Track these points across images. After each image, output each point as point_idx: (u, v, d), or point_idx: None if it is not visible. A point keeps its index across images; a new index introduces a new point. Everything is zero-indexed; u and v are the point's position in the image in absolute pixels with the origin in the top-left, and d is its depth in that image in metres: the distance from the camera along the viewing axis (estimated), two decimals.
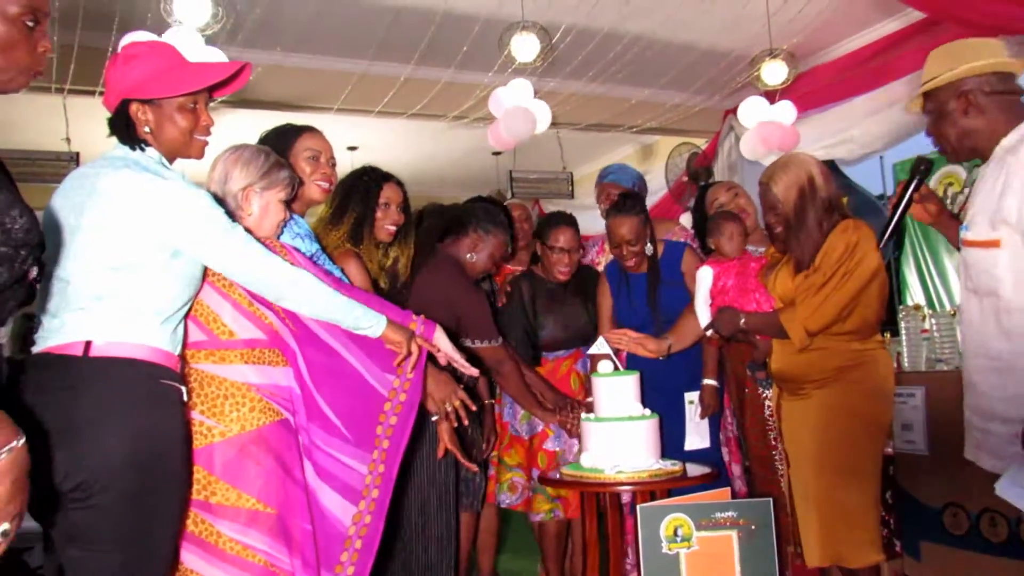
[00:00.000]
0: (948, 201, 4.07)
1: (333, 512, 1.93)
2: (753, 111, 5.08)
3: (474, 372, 2.24)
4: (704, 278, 2.81)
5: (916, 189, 2.12)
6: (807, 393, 2.52)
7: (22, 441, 1.13)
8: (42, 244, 1.30)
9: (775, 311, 2.52)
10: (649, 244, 3.08)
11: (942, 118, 2.05)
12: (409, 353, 1.97)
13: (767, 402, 2.88)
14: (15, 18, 1.30)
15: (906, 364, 2.75)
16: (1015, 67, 2.04)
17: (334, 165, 2.38)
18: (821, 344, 2.44)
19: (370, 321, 1.92)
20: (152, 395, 1.57)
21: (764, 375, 2.90)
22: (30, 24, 1.32)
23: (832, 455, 2.44)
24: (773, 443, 2.87)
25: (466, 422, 2.34)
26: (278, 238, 2.06)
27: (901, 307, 2.68)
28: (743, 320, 2.56)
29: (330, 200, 2.54)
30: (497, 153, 7.22)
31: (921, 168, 2.11)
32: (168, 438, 1.62)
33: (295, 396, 1.93)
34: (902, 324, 2.76)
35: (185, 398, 1.69)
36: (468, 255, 2.95)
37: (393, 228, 2.63)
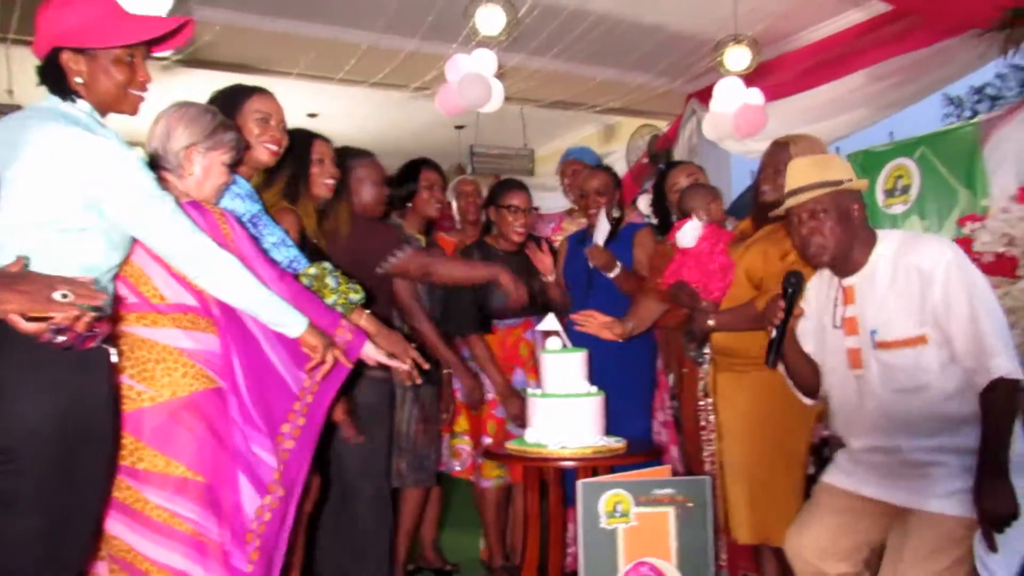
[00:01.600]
0: (898, 192, 4.17)
1: (242, 500, 1.87)
2: (727, 93, 5.07)
3: (404, 366, 2.24)
4: (694, 226, 2.76)
5: (794, 302, 2.13)
6: (744, 371, 2.57)
7: None
8: None
9: (749, 301, 2.54)
10: (616, 209, 3.21)
11: (831, 222, 2.05)
12: (323, 361, 1.94)
13: (701, 381, 2.93)
14: None
15: None
16: (865, 188, 2.16)
17: (284, 129, 2.33)
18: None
19: (289, 320, 1.88)
20: (79, 357, 1.52)
21: (695, 346, 2.92)
22: None
23: (765, 433, 2.51)
24: (703, 423, 2.92)
25: (419, 381, 2.35)
26: (218, 203, 2.02)
27: None
28: (712, 321, 2.60)
29: None
30: (460, 127, 7.16)
31: (792, 282, 2.13)
32: (95, 402, 1.58)
33: (227, 365, 1.88)
34: None
35: (115, 359, 1.65)
36: (356, 199, 2.88)
37: (331, 182, 2.58)
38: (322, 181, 2.56)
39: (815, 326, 2.23)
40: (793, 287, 2.12)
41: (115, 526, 1.72)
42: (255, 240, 2.01)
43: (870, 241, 2.12)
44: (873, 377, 2.07)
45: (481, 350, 3.22)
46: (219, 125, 1.99)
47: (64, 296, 1.39)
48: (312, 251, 2.43)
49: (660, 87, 6.06)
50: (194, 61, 4.93)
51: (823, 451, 2.70)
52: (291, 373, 1.97)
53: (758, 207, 2.65)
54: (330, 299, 2.19)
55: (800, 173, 2.14)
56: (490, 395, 3.28)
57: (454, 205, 3.84)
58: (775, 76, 5.60)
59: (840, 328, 2.14)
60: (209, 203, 1.95)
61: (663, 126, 6.78)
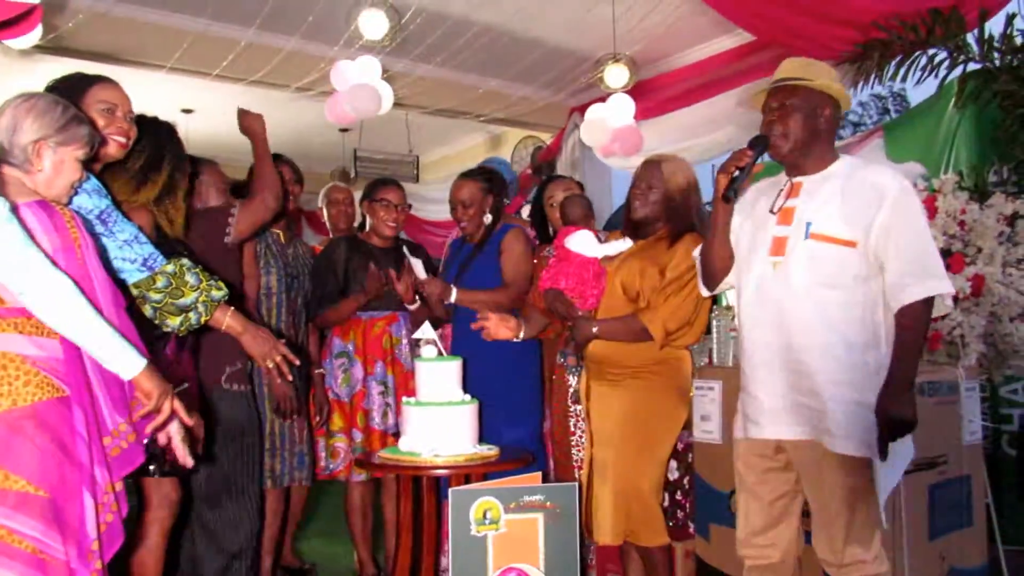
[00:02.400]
0: None
1: (86, 516, 1.74)
2: (602, 111, 5.23)
3: (269, 365, 2.22)
4: (624, 241, 2.84)
5: (756, 159, 2.20)
6: (618, 379, 2.65)
7: None
8: None
9: (633, 314, 2.62)
10: (489, 215, 3.20)
11: (798, 114, 2.14)
12: (156, 411, 1.75)
13: (571, 388, 3.01)
14: None
15: (715, 360, 2.95)
16: (848, 105, 2.24)
17: (132, 120, 2.23)
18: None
19: (125, 359, 1.70)
20: None
21: (575, 362, 3.01)
22: None
23: (636, 438, 2.60)
24: (572, 430, 3.00)
25: (289, 377, 2.29)
26: (69, 201, 1.91)
27: (715, 307, 2.89)
28: (595, 328, 2.66)
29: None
30: (344, 130, 7.06)
31: (759, 145, 2.22)
32: None
33: (73, 371, 1.75)
34: (714, 323, 2.97)
35: None
36: (201, 205, 2.85)
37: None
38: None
39: (744, 219, 2.31)
40: (759, 151, 2.21)
41: None
42: (102, 252, 1.90)
43: (831, 154, 2.20)
44: (794, 265, 2.15)
45: (334, 314, 3.29)
46: (72, 119, 1.87)
47: None
48: (174, 247, 2.34)
49: (543, 100, 6.18)
50: (58, 48, 4.65)
51: (688, 456, 2.82)
52: (108, 408, 1.81)
53: (629, 222, 2.75)
54: (190, 297, 2.12)
55: (784, 68, 2.23)
56: (358, 387, 3.28)
57: (325, 213, 3.79)
58: (651, 95, 5.83)
59: (775, 215, 2.21)
60: (59, 204, 1.83)
61: (547, 138, 6.91)
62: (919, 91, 4.38)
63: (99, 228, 2.02)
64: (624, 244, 2.77)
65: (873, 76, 3.96)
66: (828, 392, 2.09)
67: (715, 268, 2.36)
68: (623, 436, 2.61)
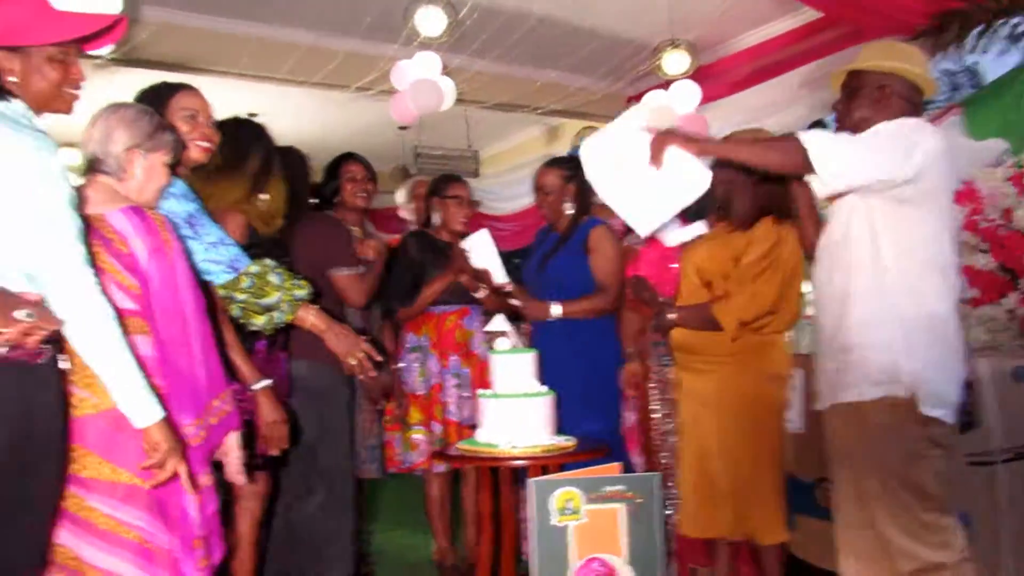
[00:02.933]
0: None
1: (187, 506, 1.82)
2: (667, 98, 5.17)
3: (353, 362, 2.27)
4: (697, 226, 2.91)
5: None
6: (704, 369, 2.62)
7: None
8: None
9: (707, 303, 2.61)
10: (570, 205, 3.18)
11: (856, 98, 2.17)
12: (159, 466, 1.66)
13: (661, 377, 3.02)
14: None
15: (796, 348, 2.91)
16: (930, 88, 2.19)
17: (213, 124, 2.30)
18: None
19: (141, 406, 1.64)
20: (26, 365, 1.48)
21: (664, 351, 3.01)
22: None
23: (739, 435, 2.54)
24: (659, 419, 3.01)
25: (373, 373, 2.33)
26: (158, 206, 1.98)
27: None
28: (673, 316, 2.66)
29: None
30: (403, 128, 7.13)
31: (816, 128, 2.24)
32: (45, 409, 1.54)
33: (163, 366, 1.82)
34: None
35: (64, 367, 1.60)
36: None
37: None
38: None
39: None
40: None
41: (61, 534, 1.67)
42: (189, 258, 1.96)
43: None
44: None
45: (410, 311, 3.35)
46: (158, 126, 1.96)
47: (29, 316, 1.37)
48: (267, 246, 2.41)
49: (601, 90, 6.14)
50: (131, 60, 4.80)
51: None
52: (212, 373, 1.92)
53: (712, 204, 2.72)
54: (274, 296, 2.17)
55: (862, 54, 2.23)
56: (434, 380, 3.32)
57: (411, 206, 3.88)
58: (712, 80, 5.73)
59: None
60: (150, 208, 1.91)
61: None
62: (995, 65, 4.23)
63: (186, 231, 2.09)
64: (699, 228, 2.76)
65: (952, 49, 3.82)
66: None
67: (810, 240, 2.35)
68: (722, 432, 2.57)
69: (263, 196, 2.50)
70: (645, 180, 2.16)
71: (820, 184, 2.09)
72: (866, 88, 2.16)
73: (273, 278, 2.19)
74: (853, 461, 2.06)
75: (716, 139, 2.36)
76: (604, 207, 3.76)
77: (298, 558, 2.70)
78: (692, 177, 2.15)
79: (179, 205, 2.10)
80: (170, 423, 1.69)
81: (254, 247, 2.36)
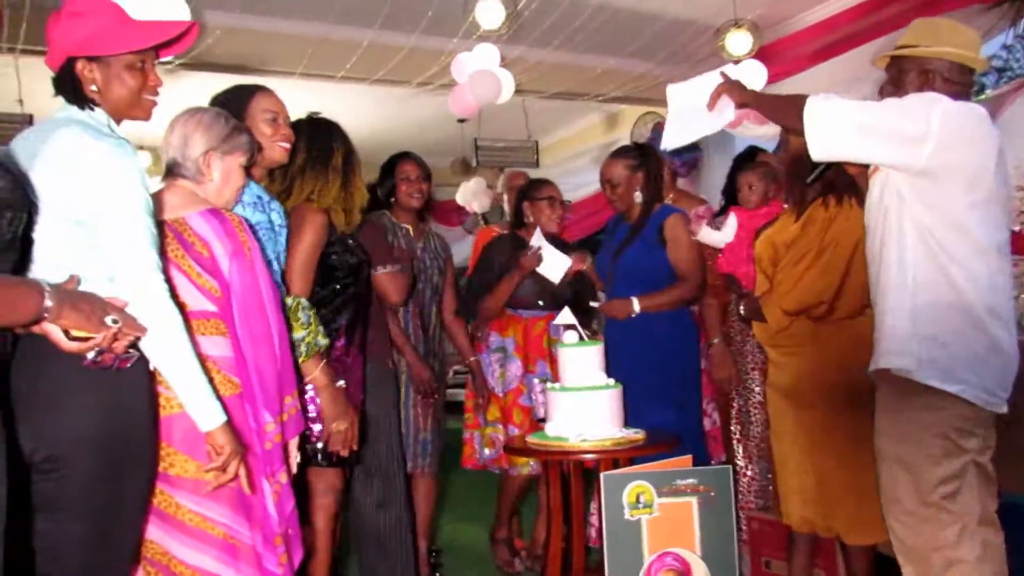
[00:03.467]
0: None
1: (267, 503, 1.87)
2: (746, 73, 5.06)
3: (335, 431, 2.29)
4: (729, 222, 2.99)
5: None
6: (781, 361, 2.56)
7: (47, 287, 1.28)
8: (29, 204, 1.28)
9: (759, 295, 2.57)
10: (639, 194, 3.14)
11: (899, 85, 2.09)
12: (222, 468, 1.69)
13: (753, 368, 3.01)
14: None
15: None
16: (979, 64, 2.10)
17: (288, 123, 2.34)
18: None
19: (207, 410, 1.66)
20: (118, 368, 1.54)
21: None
22: None
23: (821, 429, 2.46)
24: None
25: (346, 453, 2.35)
26: (235, 207, 2.03)
27: None
28: (742, 308, 2.67)
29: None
30: (462, 121, 7.16)
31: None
32: (136, 409, 1.60)
33: (241, 367, 1.87)
34: None
35: (153, 367, 1.66)
36: None
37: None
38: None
39: None
40: None
41: (151, 530, 1.74)
42: (267, 264, 2.00)
43: None
44: None
45: (490, 302, 3.36)
46: (234, 128, 2.00)
47: (115, 322, 1.42)
48: (346, 243, 2.49)
49: (662, 75, 6.03)
50: (197, 64, 4.92)
51: None
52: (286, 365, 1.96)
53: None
54: (299, 333, 2.19)
55: (903, 35, 2.16)
56: (513, 384, 3.32)
57: (505, 198, 3.92)
58: (776, 58, 5.58)
59: None
60: (228, 210, 1.96)
61: (666, 113, 6.75)
62: None
63: None
64: (731, 223, 2.79)
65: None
66: None
67: None
68: (797, 421, 2.51)
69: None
70: (697, 115, 2.38)
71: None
72: (910, 74, 2.08)
73: (301, 315, 2.22)
74: (878, 431, 2.03)
75: (757, 92, 2.36)
76: (681, 194, 3.74)
77: (359, 553, 2.75)
78: (723, 117, 2.34)
79: (244, 212, 2.15)
80: (232, 426, 1.71)
81: (334, 244, 2.42)
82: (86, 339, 1.42)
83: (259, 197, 2.23)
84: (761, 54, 5.18)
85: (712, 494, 2.39)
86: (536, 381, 3.26)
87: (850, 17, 5.31)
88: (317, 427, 2.32)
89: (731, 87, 2.24)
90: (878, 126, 1.94)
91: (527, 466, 3.31)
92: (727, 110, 2.25)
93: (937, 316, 1.95)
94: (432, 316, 3.37)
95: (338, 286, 2.51)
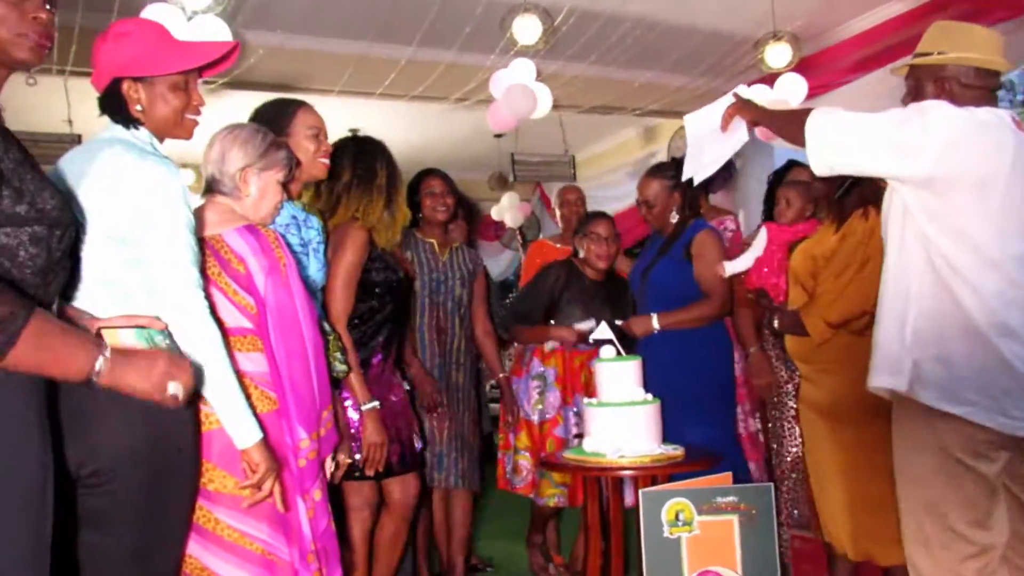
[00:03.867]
0: None
1: (301, 520, 1.89)
2: (757, 96, 5.05)
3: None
4: (759, 237, 2.98)
5: None
6: (816, 378, 2.52)
7: (107, 351, 1.28)
8: (76, 223, 1.31)
9: (798, 308, 2.53)
10: (676, 214, 3.16)
11: (917, 96, 2.03)
12: (257, 486, 1.71)
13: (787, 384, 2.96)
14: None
15: None
16: (1001, 66, 2.01)
17: (335, 143, 2.38)
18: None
19: (244, 427, 1.68)
20: None
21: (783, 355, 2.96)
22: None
23: (858, 447, 2.41)
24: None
25: (370, 472, 2.41)
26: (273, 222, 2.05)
27: None
28: (776, 322, 2.63)
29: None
30: (499, 135, 7.19)
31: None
32: (179, 424, 1.62)
33: (277, 383, 1.89)
34: None
35: None
36: None
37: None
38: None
39: None
40: None
41: (190, 545, 1.75)
42: (302, 279, 2.01)
43: None
44: None
45: (526, 334, 3.33)
46: (271, 144, 2.02)
47: (176, 389, 1.38)
48: (384, 264, 2.54)
49: (701, 87, 6.00)
50: (239, 82, 5.01)
51: None
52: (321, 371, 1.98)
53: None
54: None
55: (921, 43, 2.09)
56: (550, 414, 3.28)
57: (557, 213, 3.95)
58: (817, 71, 5.51)
59: None
60: (264, 226, 1.98)
61: None
62: None
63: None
64: (761, 237, 2.76)
65: None
66: None
67: None
68: (833, 439, 2.46)
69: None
70: (714, 140, 2.38)
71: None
72: (927, 84, 2.01)
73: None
74: (894, 452, 1.97)
75: (766, 109, 2.31)
76: (711, 208, 3.74)
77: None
78: (737, 137, 2.34)
79: (294, 238, 2.18)
80: (268, 444, 1.72)
81: (374, 261, 2.49)
82: None
83: (294, 216, 2.25)
84: (801, 66, 5.12)
85: (753, 512, 2.35)
86: (572, 415, 3.25)
87: (894, 27, 5.22)
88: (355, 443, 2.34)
89: (741, 106, 2.24)
90: (876, 138, 1.88)
91: (553, 498, 3.26)
92: (740, 130, 2.26)
93: (937, 332, 1.85)
94: (455, 328, 3.34)
95: (376, 303, 2.54)
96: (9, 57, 1.33)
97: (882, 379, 1.94)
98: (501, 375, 3.43)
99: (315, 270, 2.25)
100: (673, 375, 2.90)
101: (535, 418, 3.33)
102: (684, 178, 2.49)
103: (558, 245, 3.98)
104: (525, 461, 3.34)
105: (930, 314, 1.86)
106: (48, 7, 1.35)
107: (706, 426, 2.93)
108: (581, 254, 3.41)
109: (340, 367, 2.26)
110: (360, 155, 2.58)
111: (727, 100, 2.32)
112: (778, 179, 3.31)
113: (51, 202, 1.29)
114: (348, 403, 2.40)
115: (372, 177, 2.56)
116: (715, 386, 3.06)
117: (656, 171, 3.27)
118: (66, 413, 1.47)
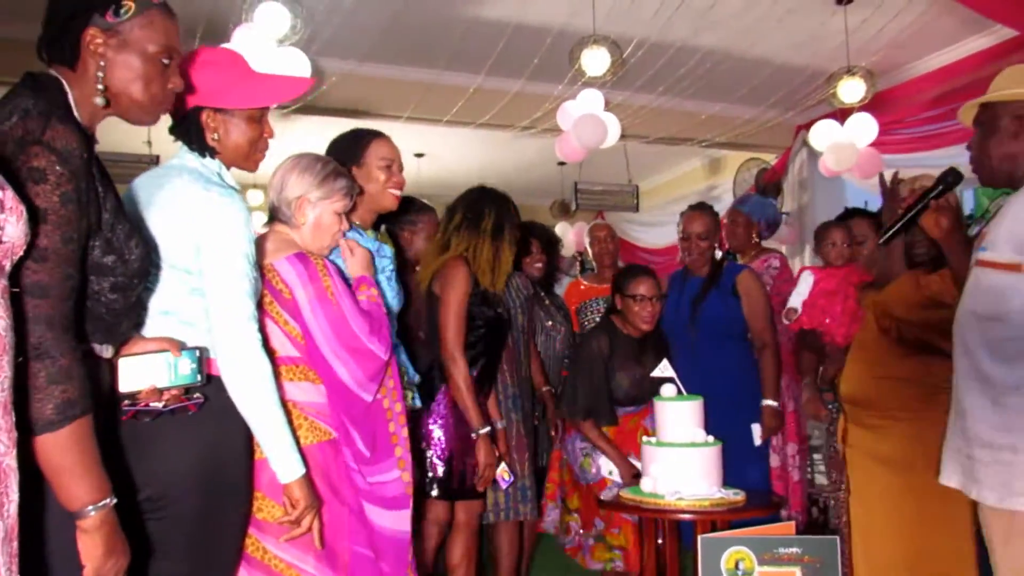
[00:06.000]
0: None
1: (390, 527, 1.93)
2: (826, 131, 4.98)
3: None
4: (804, 279, 3.05)
5: (936, 197, 1.99)
6: (880, 424, 2.43)
7: (113, 501, 1.22)
8: (150, 270, 1.33)
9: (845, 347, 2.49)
10: (719, 251, 3.28)
11: (990, 135, 1.93)
12: (296, 522, 1.68)
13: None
14: (154, 56, 1.38)
15: None
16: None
17: (402, 170, 2.40)
18: (906, 371, 2.35)
19: (287, 461, 1.66)
20: (218, 408, 1.57)
21: (832, 397, 2.88)
22: (165, 62, 1.41)
23: (911, 496, 2.33)
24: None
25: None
26: (330, 252, 2.04)
27: None
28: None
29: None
30: (562, 163, 7.21)
31: (948, 179, 1.99)
32: (234, 450, 1.62)
33: (334, 412, 1.89)
34: None
35: None
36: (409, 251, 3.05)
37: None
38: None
39: None
40: (946, 184, 2.00)
41: (240, 573, 1.74)
42: (355, 299, 1.99)
43: None
44: (965, 295, 1.93)
45: (593, 434, 3.08)
46: (330, 173, 2.00)
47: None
48: (484, 300, 2.69)
49: (769, 120, 5.93)
50: (310, 108, 5.14)
51: None
52: (365, 388, 1.96)
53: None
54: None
55: (993, 83, 1.99)
56: (597, 479, 3.18)
57: (589, 251, 3.94)
58: (890, 106, 5.39)
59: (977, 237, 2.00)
60: (314, 255, 1.95)
61: (770, 159, 6.62)
62: None
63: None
64: (805, 281, 2.76)
65: None
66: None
67: None
68: (902, 489, 2.37)
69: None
70: None
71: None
72: (1001, 120, 1.90)
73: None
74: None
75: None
76: (760, 248, 3.77)
77: None
78: None
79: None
80: (310, 480, 1.71)
81: (475, 296, 2.66)
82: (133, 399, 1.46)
83: (372, 246, 2.28)
84: (874, 102, 5.02)
85: (818, 566, 2.26)
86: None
87: (975, 63, 5.08)
88: (435, 458, 2.38)
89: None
90: None
91: (610, 563, 3.11)
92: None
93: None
94: (522, 356, 3.27)
95: (472, 337, 2.67)
96: (141, 120, 1.44)
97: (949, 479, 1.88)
98: (545, 388, 3.40)
99: (390, 297, 2.28)
100: (722, 414, 2.83)
101: (583, 481, 3.18)
102: None
103: (592, 284, 4.04)
104: (574, 523, 3.24)
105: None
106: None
107: (751, 467, 2.98)
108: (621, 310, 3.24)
109: (409, 402, 2.28)
110: (471, 201, 2.80)
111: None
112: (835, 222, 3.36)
113: (136, 252, 1.32)
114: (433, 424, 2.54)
115: (478, 221, 2.73)
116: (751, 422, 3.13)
117: (701, 208, 3.35)
118: (127, 438, 1.48)
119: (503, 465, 2.77)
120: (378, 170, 2.29)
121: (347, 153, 2.27)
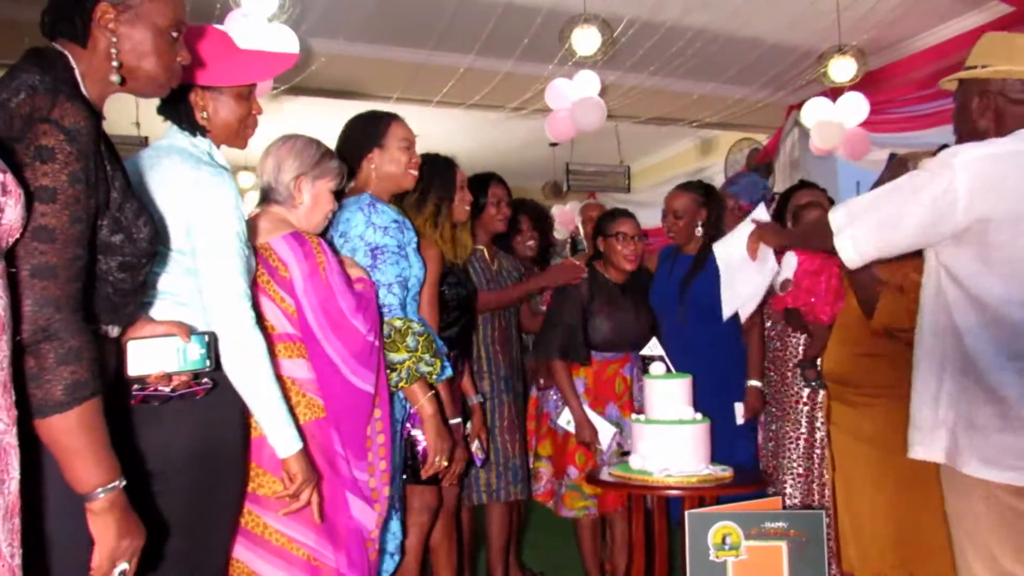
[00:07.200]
0: None
1: (355, 522, 1.91)
2: (818, 110, 4.97)
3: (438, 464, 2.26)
4: (786, 261, 2.93)
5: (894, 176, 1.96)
6: (860, 402, 2.45)
7: (123, 483, 1.21)
8: (158, 249, 1.35)
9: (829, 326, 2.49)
10: (700, 227, 3.17)
11: (961, 112, 1.89)
12: (295, 496, 1.69)
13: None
14: (165, 30, 1.38)
15: None
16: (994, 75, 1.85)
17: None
18: (886, 349, 2.36)
19: (284, 435, 1.66)
20: (216, 386, 1.57)
21: (814, 375, 2.90)
22: (175, 35, 1.40)
23: (911, 475, 2.31)
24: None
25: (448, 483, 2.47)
26: (325, 231, 2.06)
27: None
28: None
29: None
30: (554, 144, 7.19)
31: (893, 162, 2.01)
32: (229, 429, 1.63)
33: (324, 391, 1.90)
34: None
35: None
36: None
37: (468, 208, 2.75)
38: (464, 208, 2.71)
39: None
40: (892, 168, 2.08)
41: (238, 550, 1.76)
42: (347, 277, 2.00)
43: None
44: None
45: (564, 381, 3.09)
46: (324, 154, 2.06)
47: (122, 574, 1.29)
48: (456, 279, 2.59)
49: (760, 100, 5.92)
50: (299, 89, 5.11)
51: None
52: (364, 378, 1.96)
53: None
54: (400, 355, 2.15)
55: (970, 54, 1.94)
56: (572, 427, 3.21)
57: (581, 230, 3.88)
58: (882, 86, 5.39)
59: None
60: (314, 233, 1.99)
61: (762, 139, 6.62)
62: None
63: (368, 261, 2.17)
64: (789, 263, 2.73)
65: None
66: None
67: None
68: (881, 465, 2.39)
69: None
70: (746, 269, 2.53)
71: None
72: (972, 100, 1.85)
73: (409, 340, 2.18)
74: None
75: (786, 231, 2.38)
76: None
77: None
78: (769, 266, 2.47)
79: (374, 235, 2.18)
80: (308, 454, 1.72)
81: (446, 276, 2.54)
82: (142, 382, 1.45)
83: (395, 220, 2.26)
84: (866, 80, 5.01)
85: (803, 539, 2.29)
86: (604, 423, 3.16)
87: (968, 41, 5.05)
88: (421, 446, 2.35)
89: (762, 234, 2.27)
90: (903, 213, 1.77)
91: (583, 511, 3.12)
92: (770, 259, 2.23)
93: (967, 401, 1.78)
94: (514, 338, 3.28)
95: (448, 318, 2.60)
96: (151, 93, 1.43)
97: (918, 451, 1.88)
98: (474, 399, 3.35)
99: (418, 268, 2.28)
100: (709, 392, 2.84)
101: (560, 430, 3.17)
102: (726, 316, 2.55)
103: (581, 261, 3.97)
104: (545, 469, 3.23)
105: (957, 372, 1.77)
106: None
107: (748, 442, 2.97)
108: (604, 253, 3.26)
109: (424, 368, 2.20)
110: (435, 173, 2.62)
111: (748, 227, 2.36)
112: (784, 201, 3.32)
113: (144, 231, 1.32)
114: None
115: (425, 192, 2.58)
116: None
117: (686, 186, 3.30)
118: (125, 416, 1.49)
119: (476, 443, 2.77)
120: (399, 151, 2.31)
121: (368, 135, 2.28)
